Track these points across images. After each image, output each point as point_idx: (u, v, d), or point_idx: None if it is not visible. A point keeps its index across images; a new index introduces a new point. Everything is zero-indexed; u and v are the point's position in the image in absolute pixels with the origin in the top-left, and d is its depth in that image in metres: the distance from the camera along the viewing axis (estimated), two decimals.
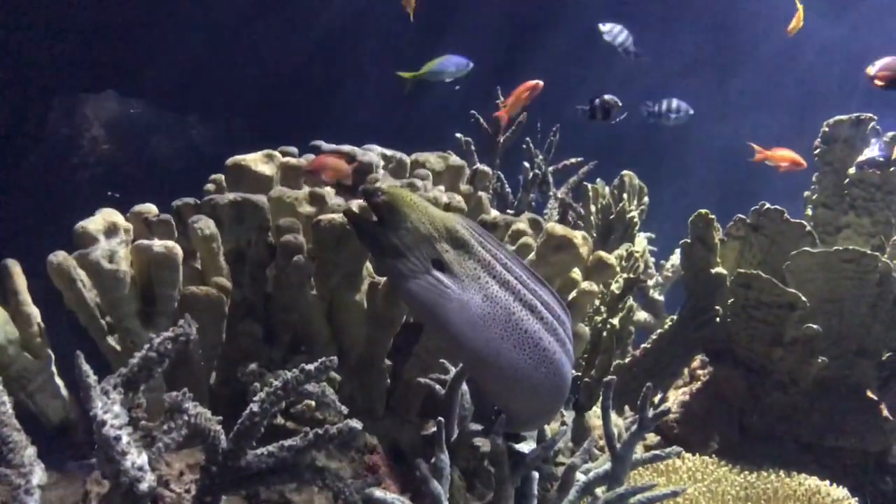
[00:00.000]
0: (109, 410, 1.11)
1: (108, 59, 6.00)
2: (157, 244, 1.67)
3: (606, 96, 3.25)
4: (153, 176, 6.11)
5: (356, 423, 1.40)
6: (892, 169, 2.63)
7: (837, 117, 2.80)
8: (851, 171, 2.70)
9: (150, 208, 1.88)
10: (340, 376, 1.82)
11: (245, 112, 6.60)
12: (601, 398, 1.87)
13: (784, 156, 2.84)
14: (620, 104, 3.26)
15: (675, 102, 3.65)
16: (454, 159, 2.37)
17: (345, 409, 1.49)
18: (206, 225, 1.73)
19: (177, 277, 1.68)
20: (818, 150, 2.81)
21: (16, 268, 1.67)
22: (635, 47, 3.77)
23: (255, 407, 1.38)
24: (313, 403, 1.69)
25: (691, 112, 3.66)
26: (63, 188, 6.04)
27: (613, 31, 3.80)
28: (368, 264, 1.88)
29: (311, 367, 1.39)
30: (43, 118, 6.10)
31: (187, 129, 6.86)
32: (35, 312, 1.70)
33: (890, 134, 2.67)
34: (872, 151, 2.65)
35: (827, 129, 2.81)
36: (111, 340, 1.72)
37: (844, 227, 2.70)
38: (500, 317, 1.57)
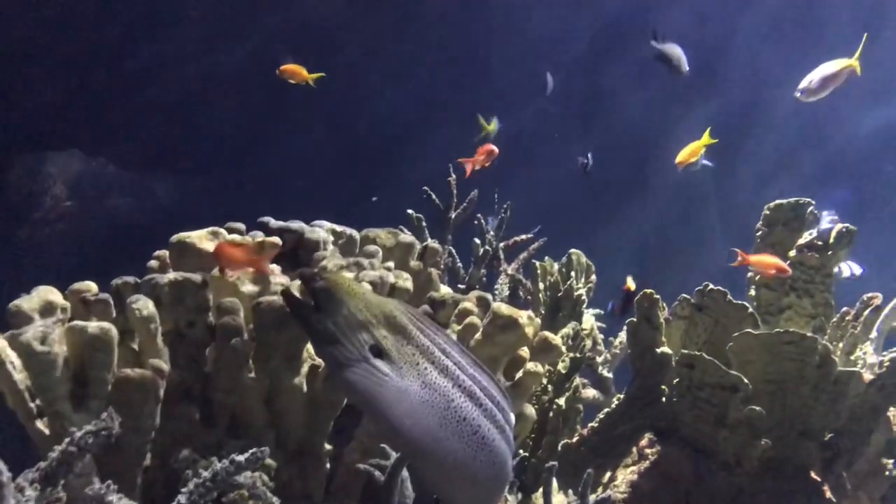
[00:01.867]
0: None
1: (73, 118, 6.03)
2: (92, 325, 1.64)
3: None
4: (116, 234, 6.10)
5: None
6: (829, 252, 2.70)
7: (777, 201, 2.87)
8: (792, 253, 2.77)
9: (90, 286, 1.85)
10: (278, 461, 1.79)
11: (208, 172, 6.63)
12: (543, 483, 1.86)
13: (768, 262, 2.77)
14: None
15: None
16: (404, 236, 2.39)
17: (276, 501, 1.46)
18: (144, 305, 1.71)
19: (111, 360, 1.65)
20: (760, 233, 2.88)
21: None
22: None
23: (182, 499, 1.35)
24: (246, 493, 1.65)
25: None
26: (24, 245, 6.00)
27: None
28: (309, 346, 1.87)
29: (241, 458, 1.37)
30: (4, 175, 6.08)
31: (151, 188, 6.86)
32: None
33: (827, 217, 2.75)
34: (812, 234, 2.72)
35: (768, 213, 2.89)
36: (40, 424, 1.66)
37: (786, 307, 2.75)
38: (438, 404, 1.56)
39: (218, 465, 1.36)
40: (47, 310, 1.72)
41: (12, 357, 1.64)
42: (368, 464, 1.82)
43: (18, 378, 1.65)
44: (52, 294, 1.76)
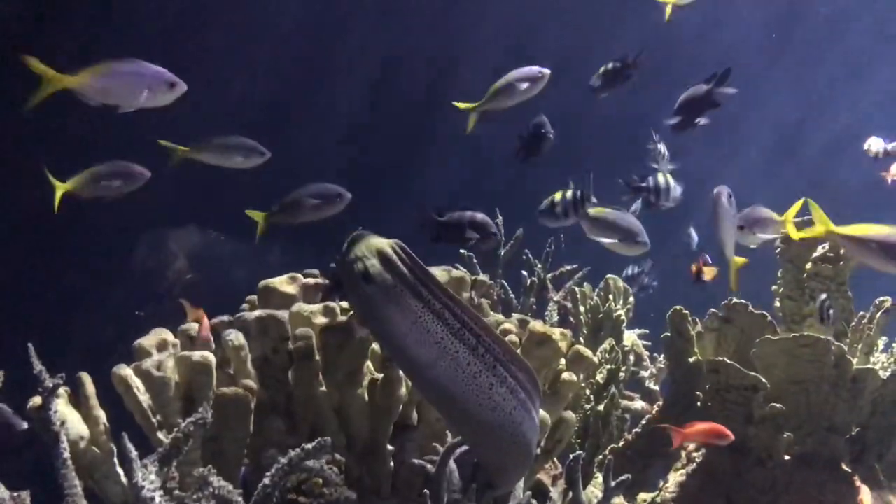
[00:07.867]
0: (147, 478, 1.50)
1: (193, 196, 6.43)
2: (196, 354, 2.08)
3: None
4: (232, 300, 6.49)
5: (350, 493, 1.75)
6: (841, 263, 2.92)
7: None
8: (808, 266, 2.99)
9: (193, 326, 2.31)
10: (349, 461, 2.16)
11: (317, 241, 7.00)
12: (603, 478, 2.16)
13: (705, 430, 2.69)
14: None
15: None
16: (456, 271, 2.75)
17: (339, 480, 1.84)
18: (235, 337, 2.13)
19: (211, 381, 2.07)
20: (779, 249, 3.11)
21: (87, 378, 2.08)
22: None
23: (266, 480, 1.76)
24: (321, 481, 2.03)
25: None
26: (149, 317, 6.43)
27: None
28: (370, 363, 2.25)
29: (309, 446, 1.76)
30: (129, 253, 6.55)
31: (265, 257, 7.18)
32: (102, 414, 2.09)
33: None
34: (825, 248, 2.94)
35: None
36: (160, 435, 2.10)
37: (808, 315, 2.97)
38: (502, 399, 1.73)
39: (291, 453, 1.75)
40: (162, 345, 2.19)
41: (137, 382, 2.10)
42: (424, 460, 2.16)
43: (143, 399, 2.10)
44: (165, 334, 2.24)
